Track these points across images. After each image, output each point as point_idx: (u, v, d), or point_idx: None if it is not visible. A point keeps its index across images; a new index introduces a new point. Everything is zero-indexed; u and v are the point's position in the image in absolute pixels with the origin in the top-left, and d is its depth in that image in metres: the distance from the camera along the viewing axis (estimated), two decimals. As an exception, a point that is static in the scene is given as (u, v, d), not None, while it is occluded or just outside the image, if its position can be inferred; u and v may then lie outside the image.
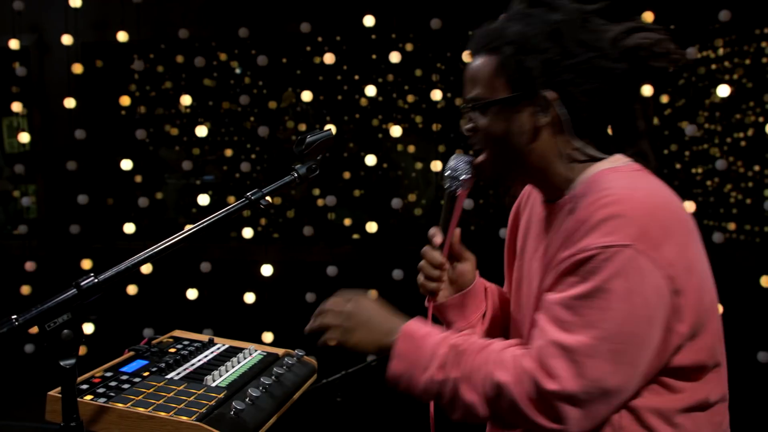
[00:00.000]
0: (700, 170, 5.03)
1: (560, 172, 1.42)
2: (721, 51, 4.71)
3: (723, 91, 3.66)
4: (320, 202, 4.22)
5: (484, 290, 1.72)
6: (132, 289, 4.38)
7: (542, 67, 1.34)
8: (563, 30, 1.35)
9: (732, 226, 4.51)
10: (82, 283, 1.09)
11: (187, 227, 1.38)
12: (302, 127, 5.64)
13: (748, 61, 4.58)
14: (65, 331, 1.06)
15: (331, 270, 4.01)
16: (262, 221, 5.31)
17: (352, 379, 3.96)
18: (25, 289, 4.47)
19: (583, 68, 1.34)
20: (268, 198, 1.35)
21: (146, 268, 4.25)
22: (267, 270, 4.15)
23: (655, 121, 4.42)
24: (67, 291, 1.08)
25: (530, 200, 1.66)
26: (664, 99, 4.70)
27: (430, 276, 1.62)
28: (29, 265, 4.48)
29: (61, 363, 1.05)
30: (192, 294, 4.28)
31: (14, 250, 4.72)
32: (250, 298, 4.21)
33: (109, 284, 1.12)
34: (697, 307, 1.27)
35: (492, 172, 1.48)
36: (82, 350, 3.45)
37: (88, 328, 4.41)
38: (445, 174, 1.56)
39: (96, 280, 1.10)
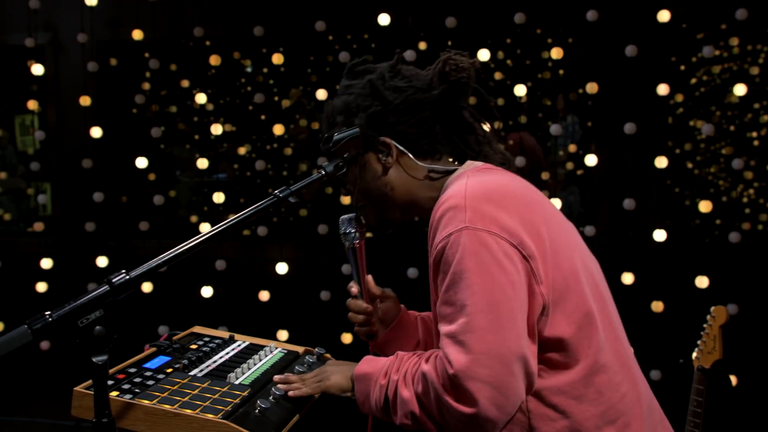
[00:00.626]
0: (712, 169, 5.02)
1: (426, 195, 1.58)
2: (736, 50, 4.69)
3: (739, 90, 3.63)
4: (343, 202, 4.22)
5: (416, 319, 1.84)
6: (147, 287, 4.39)
7: (369, 121, 1.53)
8: (375, 85, 1.55)
9: (746, 225, 4.50)
10: (114, 280, 1.09)
11: (207, 226, 1.40)
12: (315, 125, 5.66)
13: (761, 60, 4.56)
14: (97, 327, 1.06)
15: (346, 268, 4.01)
16: (274, 219, 5.32)
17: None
18: (41, 287, 4.48)
19: (402, 108, 1.53)
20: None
21: (161, 266, 4.26)
22: (282, 268, 4.16)
23: (669, 120, 4.40)
24: (99, 287, 1.08)
25: None
26: (679, 98, 4.69)
27: (359, 322, 1.77)
28: (45, 263, 4.50)
29: (94, 359, 1.05)
30: (207, 292, 4.29)
31: (30, 247, 4.74)
32: (265, 295, 4.21)
33: (141, 281, 1.12)
34: (555, 271, 1.34)
35: (375, 220, 1.65)
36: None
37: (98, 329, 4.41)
38: (340, 234, 1.74)
39: (128, 277, 1.10)
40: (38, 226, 4.65)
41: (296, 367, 1.70)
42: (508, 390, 1.26)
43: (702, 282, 3.60)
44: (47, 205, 4.88)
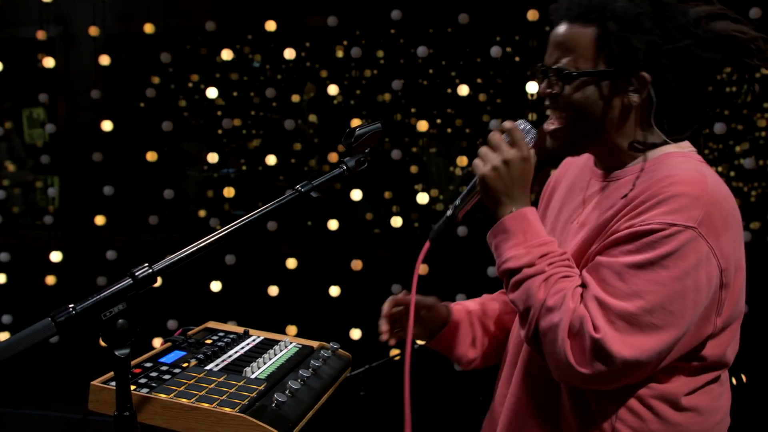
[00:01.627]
0: (719, 169, 5.00)
1: (630, 145, 1.42)
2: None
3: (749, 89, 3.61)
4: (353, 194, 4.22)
5: (468, 316, 1.73)
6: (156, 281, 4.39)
7: (647, 48, 1.32)
8: (666, 12, 1.33)
9: (755, 225, 4.47)
10: (137, 273, 1.09)
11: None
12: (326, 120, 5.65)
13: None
14: (120, 320, 1.06)
15: (355, 264, 4.01)
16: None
17: (375, 374, 3.97)
18: (50, 279, 4.50)
19: (680, 55, 1.33)
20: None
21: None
22: (291, 263, 4.16)
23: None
24: (122, 281, 1.08)
25: (569, 172, 1.67)
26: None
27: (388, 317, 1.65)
28: (54, 256, 4.51)
29: (116, 352, 1.05)
30: (216, 286, 4.29)
31: (39, 240, 4.75)
32: (274, 290, 4.21)
33: (163, 274, 1.12)
34: (734, 306, 1.31)
35: (567, 141, 1.44)
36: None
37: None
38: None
39: (151, 270, 1.10)
40: (48, 219, 4.65)
41: (312, 362, 1.70)
42: (614, 382, 1.26)
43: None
44: (56, 199, 4.88)
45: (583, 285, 1.30)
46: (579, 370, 1.23)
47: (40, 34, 4.45)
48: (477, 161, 1.41)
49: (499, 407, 1.61)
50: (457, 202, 1.48)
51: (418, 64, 4.57)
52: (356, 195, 4.09)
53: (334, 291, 4.10)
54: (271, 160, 4.15)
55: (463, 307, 1.73)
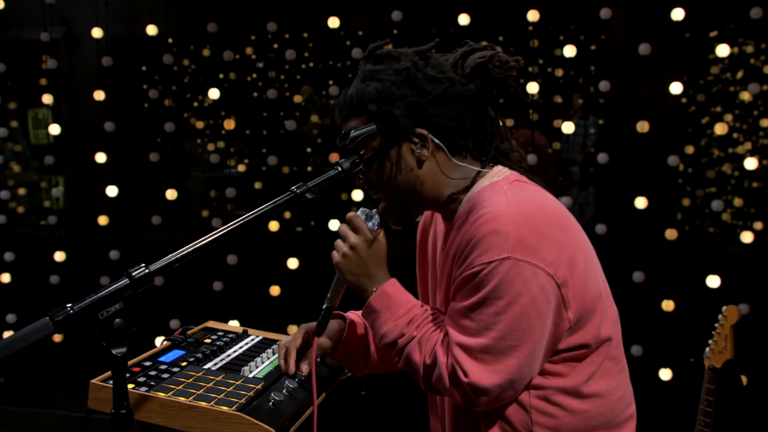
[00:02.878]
0: (725, 168, 5.00)
1: (449, 194, 1.54)
2: (750, 48, 4.67)
3: (753, 88, 3.62)
4: (344, 196, 4.23)
5: (365, 332, 1.80)
6: (158, 280, 4.41)
7: (407, 111, 1.46)
8: (412, 74, 1.48)
9: (759, 225, 4.47)
10: (134, 273, 1.11)
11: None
12: (327, 121, 5.67)
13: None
14: (117, 320, 1.08)
15: (292, 262, 4.03)
16: (287, 215, 5.34)
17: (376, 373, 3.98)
18: (54, 279, 4.52)
19: (441, 99, 1.47)
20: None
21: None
22: (293, 263, 4.18)
23: (682, 119, 4.39)
24: (119, 281, 1.10)
25: (435, 217, 1.77)
26: (701, 97, 4.68)
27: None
28: (58, 255, 4.53)
29: (113, 351, 1.07)
30: (218, 286, 4.31)
31: (43, 240, 4.78)
32: (275, 290, 4.23)
33: (160, 274, 1.14)
34: (582, 295, 1.42)
35: (397, 215, 1.58)
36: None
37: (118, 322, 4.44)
38: None
39: (148, 270, 1.12)
40: (52, 219, 4.68)
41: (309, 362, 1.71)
42: (505, 400, 1.43)
43: (713, 281, 3.59)
44: (60, 199, 4.91)
45: (446, 334, 1.44)
46: (474, 408, 1.41)
47: (44, 36, 4.47)
48: (333, 253, 1.55)
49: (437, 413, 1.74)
50: (329, 294, 1.62)
51: None
52: (357, 195, 4.10)
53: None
54: (272, 160, 4.16)
55: (362, 320, 1.79)
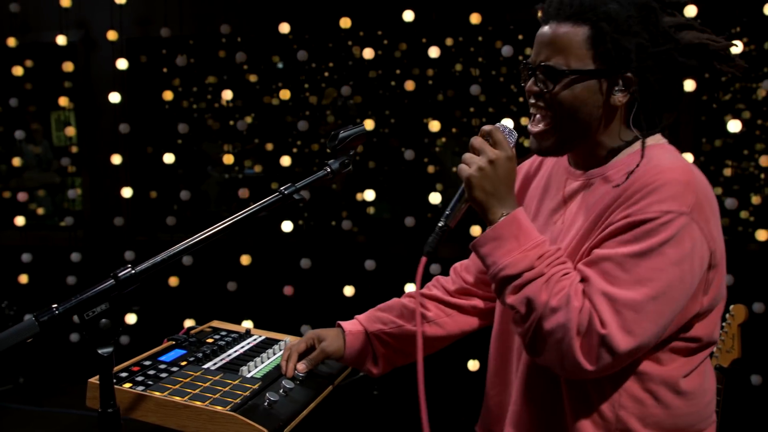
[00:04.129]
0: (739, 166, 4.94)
1: (611, 142, 1.46)
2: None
3: (769, 86, 3.58)
4: (359, 196, 4.23)
5: (365, 337, 1.75)
6: (174, 281, 4.45)
7: (635, 50, 1.35)
8: (652, 17, 1.37)
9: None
10: (120, 274, 1.12)
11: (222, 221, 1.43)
12: (340, 122, 5.68)
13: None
14: (103, 320, 1.09)
15: (369, 264, 4.03)
16: (305, 215, 5.36)
17: (389, 373, 3.98)
18: (71, 279, 4.57)
19: (663, 58, 1.37)
20: (302, 193, 1.37)
21: (187, 260, 4.32)
22: (305, 263, 4.19)
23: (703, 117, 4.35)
24: (105, 281, 1.11)
25: (542, 170, 1.69)
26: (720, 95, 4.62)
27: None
28: (74, 256, 4.59)
29: (99, 351, 1.08)
30: (232, 286, 4.34)
31: (61, 241, 4.83)
32: (288, 290, 4.25)
33: (145, 275, 1.15)
34: (718, 287, 1.37)
35: (554, 142, 1.46)
36: (126, 339, 3.52)
37: (131, 318, 4.50)
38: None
39: (133, 272, 1.13)
40: (69, 220, 4.74)
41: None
42: (619, 368, 1.32)
43: (729, 280, 3.55)
44: (77, 200, 4.97)
45: (583, 280, 1.32)
46: (586, 367, 1.26)
47: (61, 39, 4.53)
48: (462, 165, 1.41)
49: (495, 399, 1.67)
50: (448, 211, 1.46)
51: (431, 64, 4.59)
52: (369, 195, 4.11)
53: (348, 291, 4.12)
54: (285, 161, 4.18)
55: (362, 326, 1.75)
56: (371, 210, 5.23)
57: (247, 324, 3.92)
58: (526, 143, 1.55)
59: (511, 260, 1.33)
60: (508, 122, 1.47)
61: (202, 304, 4.44)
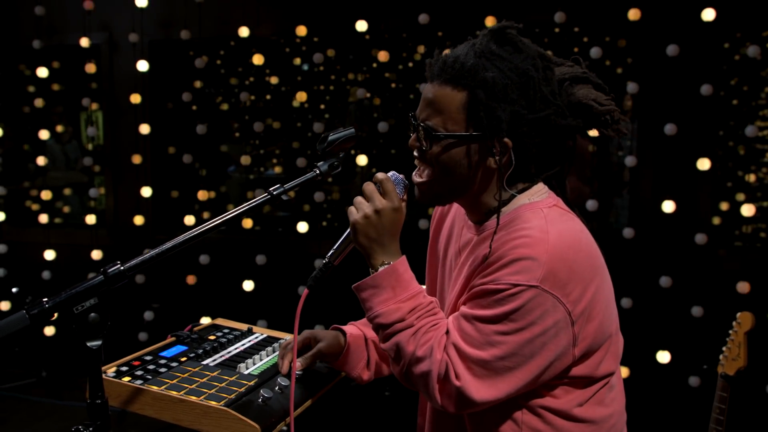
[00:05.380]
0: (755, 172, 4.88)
1: (490, 201, 1.51)
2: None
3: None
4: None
5: (362, 341, 1.80)
6: (191, 279, 4.52)
7: (510, 118, 1.39)
8: (531, 84, 1.41)
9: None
10: (109, 270, 1.16)
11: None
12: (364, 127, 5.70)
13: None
14: (92, 314, 1.13)
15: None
16: (328, 217, 5.39)
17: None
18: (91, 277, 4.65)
19: (541, 123, 1.42)
20: (290, 193, 1.40)
21: (204, 259, 4.38)
22: (319, 263, 4.22)
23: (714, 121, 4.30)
24: (94, 277, 1.15)
25: (452, 209, 1.75)
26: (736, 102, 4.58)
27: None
28: (95, 254, 4.67)
29: (88, 344, 1.12)
30: (248, 285, 4.39)
31: (84, 239, 4.92)
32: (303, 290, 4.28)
33: (134, 272, 1.18)
34: (594, 335, 1.41)
35: (432, 194, 1.52)
36: (145, 336, 3.57)
37: (148, 315, 4.56)
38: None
39: (121, 268, 1.17)
40: (90, 219, 4.82)
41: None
42: (487, 406, 1.38)
43: (744, 287, 3.52)
44: (100, 199, 5.06)
45: (447, 332, 1.41)
46: (449, 409, 1.38)
47: (84, 42, 4.61)
48: (350, 209, 1.48)
49: (421, 425, 1.77)
50: (333, 249, 1.57)
51: None
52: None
53: None
54: (300, 162, 4.22)
55: (361, 331, 1.81)
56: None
57: (262, 323, 3.98)
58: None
59: (385, 310, 1.43)
60: (394, 174, 1.54)
61: (218, 302, 4.50)
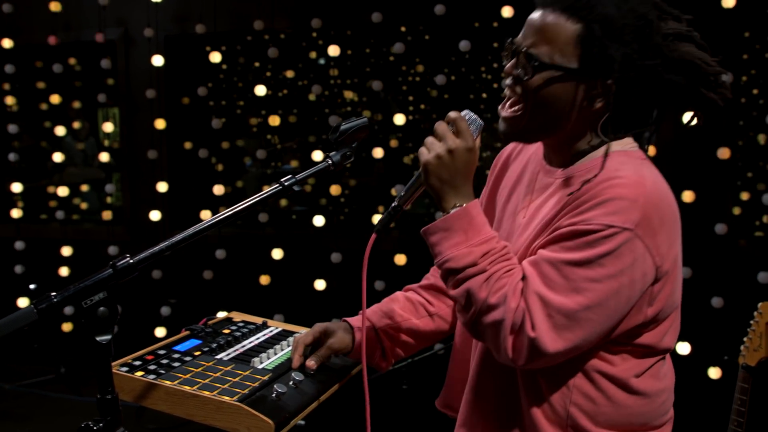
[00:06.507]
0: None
1: (579, 145, 1.44)
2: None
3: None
4: (393, 191, 4.24)
5: (373, 333, 1.74)
6: (208, 274, 4.52)
7: (621, 60, 1.32)
8: (647, 29, 1.33)
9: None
10: (118, 264, 1.14)
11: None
12: (378, 117, 5.68)
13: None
14: (101, 308, 1.11)
15: (400, 258, 4.03)
16: (345, 211, 5.38)
17: (418, 368, 3.97)
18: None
19: (647, 73, 1.34)
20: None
21: (220, 254, 4.38)
22: (336, 257, 4.21)
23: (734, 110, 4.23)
24: (103, 270, 1.14)
25: (521, 156, 1.67)
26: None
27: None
28: (112, 249, 4.69)
29: (97, 339, 1.11)
30: (264, 279, 4.39)
31: (99, 235, 4.94)
32: (320, 285, 4.27)
33: (143, 265, 1.17)
34: (668, 298, 1.36)
35: (521, 129, 1.45)
36: (162, 331, 3.57)
37: (165, 310, 4.57)
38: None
39: (131, 261, 1.15)
40: (106, 215, 4.84)
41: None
42: (556, 361, 1.32)
43: (765, 277, 3.47)
44: (116, 195, 5.07)
45: (524, 278, 1.33)
46: (517, 362, 1.30)
47: (99, 37, 4.62)
48: (422, 149, 1.40)
49: (456, 376, 1.72)
50: (402, 192, 1.48)
51: (462, 59, 4.57)
52: (399, 190, 4.11)
53: (379, 285, 4.13)
54: (317, 155, 4.20)
55: (371, 323, 1.75)
56: (408, 205, 5.21)
57: (278, 318, 3.98)
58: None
59: (456, 254, 1.35)
60: (468, 113, 1.44)
61: (235, 296, 4.50)
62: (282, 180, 1.36)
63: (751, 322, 2.24)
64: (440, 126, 1.40)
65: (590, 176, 1.34)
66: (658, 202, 1.30)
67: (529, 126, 1.43)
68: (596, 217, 1.27)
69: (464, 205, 1.38)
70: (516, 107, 1.42)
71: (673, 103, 1.41)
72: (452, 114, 1.40)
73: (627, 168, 1.33)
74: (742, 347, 2.24)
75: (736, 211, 4.12)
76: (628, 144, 1.42)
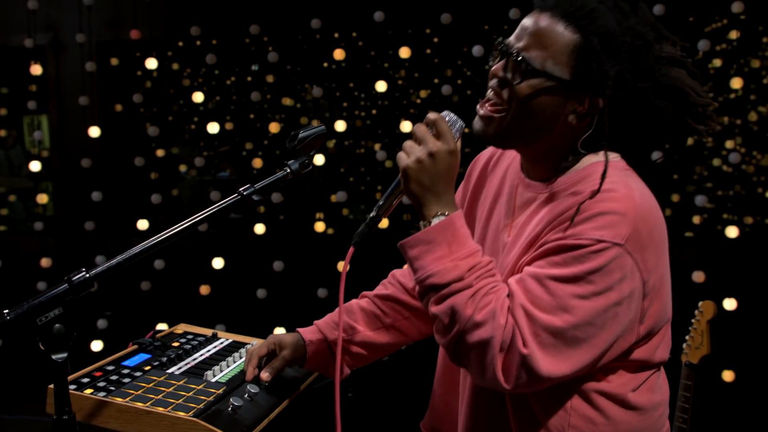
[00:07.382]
0: (714, 163, 4.99)
1: (559, 158, 1.40)
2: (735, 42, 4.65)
3: (736, 83, 3.62)
4: (333, 198, 4.23)
5: (325, 346, 1.71)
6: (146, 285, 4.41)
7: (615, 77, 1.28)
8: (643, 50, 1.30)
9: (749, 220, 4.46)
10: (74, 278, 1.10)
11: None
12: (315, 123, 5.65)
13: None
14: (57, 325, 1.07)
15: (342, 266, 4.02)
16: (280, 217, 5.32)
17: (363, 375, 3.96)
18: (41, 285, 4.52)
19: (637, 95, 1.31)
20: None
21: (159, 264, 4.29)
22: (278, 265, 4.17)
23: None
24: (58, 286, 1.10)
25: (499, 167, 1.62)
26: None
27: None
28: (45, 262, 4.53)
29: (53, 357, 1.06)
30: (205, 289, 4.31)
31: (31, 246, 4.77)
32: (261, 293, 4.22)
33: (100, 279, 1.13)
34: (658, 314, 1.32)
35: (499, 133, 1.39)
36: (99, 345, 3.46)
37: (102, 323, 4.44)
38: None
39: (87, 275, 1.11)
40: (39, 226, 4.68)
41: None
42: (535, 390, 1.28)
43: (699, 277, 3.59)
44: (48, 205, 4.91)
45: (509, 294, 1.27)
46: (503, 384, 1.23)
47: (28, 42, 4.47)
48: (400, 154, 1.32)
49: (442, 399, 1.68)
50: (381, 201, 1.40)
51: (471, 63, 4.57)
52: (341, 196, 4.10)
53: (322, 293, 4.10)
54: (257, 163, 4.16)
55: (322, 335, 1.71)
56: (346, 212, 5.21)
57: (220, 327, 3.91)
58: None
59: (440, 268, 1.26)
60: (448, 114, 1.39)
61: (174, 307, 4.40)
62: (240, 189, 1.34)
63: (693, 320, 2.31)
64: (419, 128, 1.33)
65: (576, 188, 1.32)
66: (648, 215, 1.27)
67: (507, 131, 1.37)
68: (585, 231, 1.23)
69: (447, 214, 1.30)
70: (497, 108, 1.37)
71: (656, 129, 1.38)
72: (431, 115, 1.33)
73: (614, 179, 1.28)
74: (684, 345, 2.31)
75: (667, 212, 4.25)
76: (610, 154, 1.36)
